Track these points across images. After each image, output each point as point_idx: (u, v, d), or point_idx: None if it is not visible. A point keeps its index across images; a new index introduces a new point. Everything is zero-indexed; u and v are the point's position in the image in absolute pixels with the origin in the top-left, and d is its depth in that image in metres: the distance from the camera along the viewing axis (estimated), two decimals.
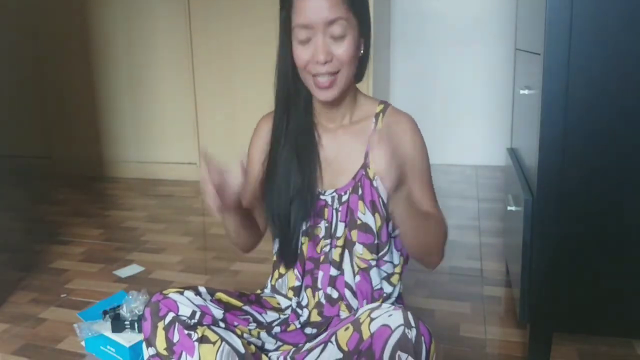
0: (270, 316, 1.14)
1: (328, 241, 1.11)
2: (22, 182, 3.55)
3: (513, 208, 1.47)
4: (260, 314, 1.13)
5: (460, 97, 3.50)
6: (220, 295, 1.09)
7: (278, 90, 1.11)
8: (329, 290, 1.12)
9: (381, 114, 1.12)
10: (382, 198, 1.09)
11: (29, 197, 3.25)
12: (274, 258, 1.20)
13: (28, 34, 3.51)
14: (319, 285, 1.12)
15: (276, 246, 1.17)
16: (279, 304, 1.19)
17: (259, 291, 1.25)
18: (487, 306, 1.75)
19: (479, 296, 1.82)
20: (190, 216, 2.77)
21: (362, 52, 1.07)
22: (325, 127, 1.14)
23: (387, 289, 1.13)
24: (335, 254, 1.11)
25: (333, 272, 1.11)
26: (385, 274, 1.13)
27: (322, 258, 1.12)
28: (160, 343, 0.97)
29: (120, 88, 3.44)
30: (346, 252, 1.11)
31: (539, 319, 1.36)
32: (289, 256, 1.14)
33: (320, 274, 1.12)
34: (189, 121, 3.32)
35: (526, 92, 1.42)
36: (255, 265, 2.12)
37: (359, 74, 1.11)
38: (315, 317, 1.13)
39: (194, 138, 3.33)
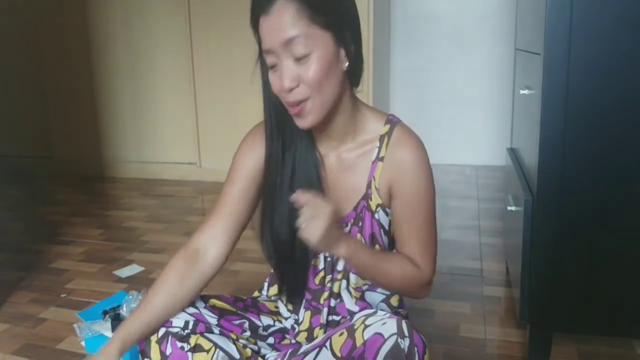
0: (266, 320, 1.12)
1: (329, 277, 1.08)
2: (23, 182, 3.54)
3: (513, 208, 1.47)
4: (256, 318, 1.11)
5: (460, 97, 3.49)
6: (214, 301, 1.06)
7: (266, 118, 1.02)
8: (330, 317, 1.10)
9: (386, 137, 1.01)
10: (383, 228, 1.05)
11: (29, 197, 3.25)
12: (272, 271, 1.17)
13: (29, 34, 3.51)
14: (322, 321, 1.09)
15: (276, 276, 1.14)
16: (276, 307, 1.18)
17: (256, 293, 1.24)
18: (487, 306, 1.75)
19: (479, 296, 1.82)
20: (190, 216, 2.77)
21: (347, 64, 0.94)
22: (328, 145, 1.04)
23: (387, 310, 1.10)
24: (335, 287, 1.09)
25: (332, 302, 1.09)
26: (383, 297, 1.11)
27: (325, 294, 1.08)
28: (155, 355, 0.96)
29: (121, 88, 3.44)
30: (344, 281, 1.09)
31: (539, 319, 1.36)
32: (294, 292, 1.10)
33: (325, 310, 1.09)
34: (189, 121, 3.32)
35: (526, 92, 1.42)
36: (255, 266, 2.12)
37: (353, 81, 1.00)
38: (302, 340, 1.12)
39: (194, 138, 3.33)
